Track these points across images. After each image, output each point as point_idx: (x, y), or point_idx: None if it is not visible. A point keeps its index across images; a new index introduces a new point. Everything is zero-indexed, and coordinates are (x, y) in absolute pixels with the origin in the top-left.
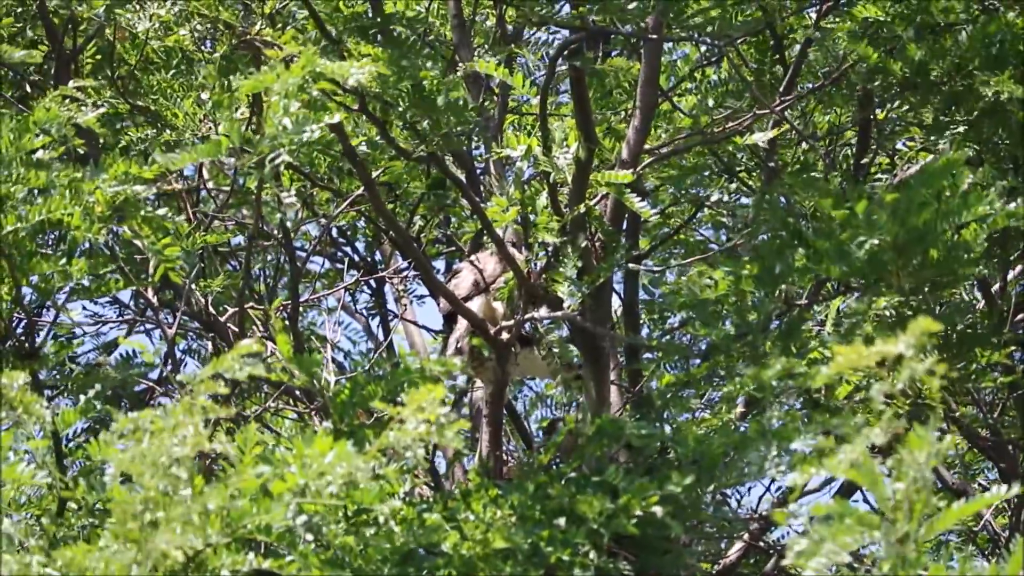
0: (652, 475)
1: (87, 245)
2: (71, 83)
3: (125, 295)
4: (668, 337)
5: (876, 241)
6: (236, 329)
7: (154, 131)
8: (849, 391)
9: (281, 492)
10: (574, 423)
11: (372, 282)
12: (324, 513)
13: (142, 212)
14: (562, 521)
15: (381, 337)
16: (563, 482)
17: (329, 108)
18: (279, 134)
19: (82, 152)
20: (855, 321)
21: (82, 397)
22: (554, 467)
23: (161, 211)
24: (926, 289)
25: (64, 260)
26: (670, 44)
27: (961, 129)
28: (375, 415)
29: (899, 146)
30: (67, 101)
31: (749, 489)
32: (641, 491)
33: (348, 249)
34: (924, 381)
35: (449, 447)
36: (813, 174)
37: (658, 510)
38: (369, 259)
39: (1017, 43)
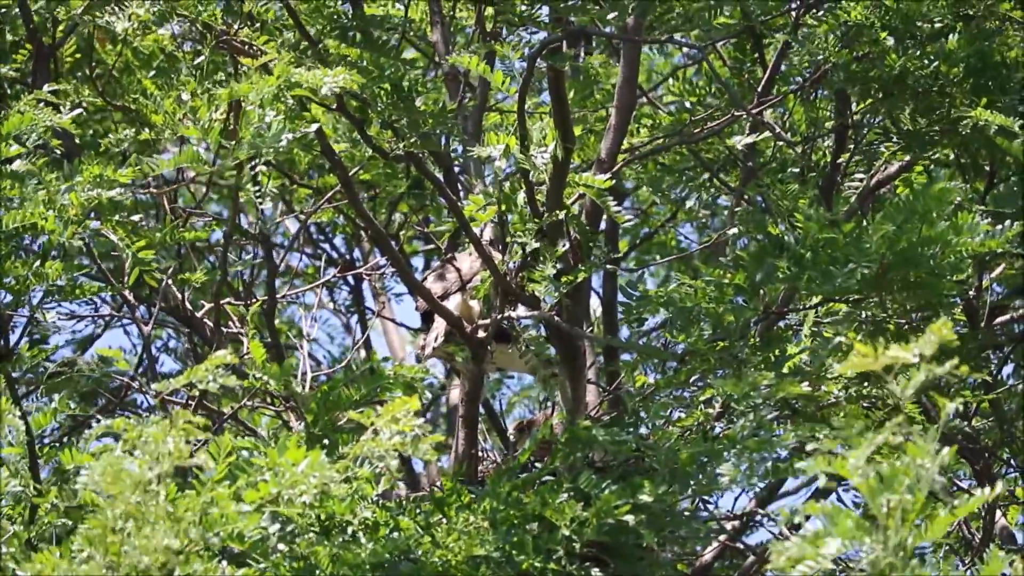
0: (625, 481)
1: (61, 247)
2: (46, 87)
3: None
4: (645, 339)
5: (865, 270)
6: (212, 325)
7: (133, 131)
8: (828, 397)
9: (254, 501)
10: (549, 425)
11: (351, 279)
12: (297, 522)
13: (116, 217)
14: (535, 526)
15: (360, 334)
16: (536, 487)
17: (306, 117)
18: (256, 142)
19: (59, 153)
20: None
21: (55, 397)
22: (532, 467)
23: (135, 217)
24: (909, 307)
25: (38, 263)
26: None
27: (938, 136)
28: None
29: (875, 146)
30: (41, 105)
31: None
32: (612, 500)
33: (326, 246)
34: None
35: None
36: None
37: (630, 519)
38: (348, 256)
39: (995, 55)
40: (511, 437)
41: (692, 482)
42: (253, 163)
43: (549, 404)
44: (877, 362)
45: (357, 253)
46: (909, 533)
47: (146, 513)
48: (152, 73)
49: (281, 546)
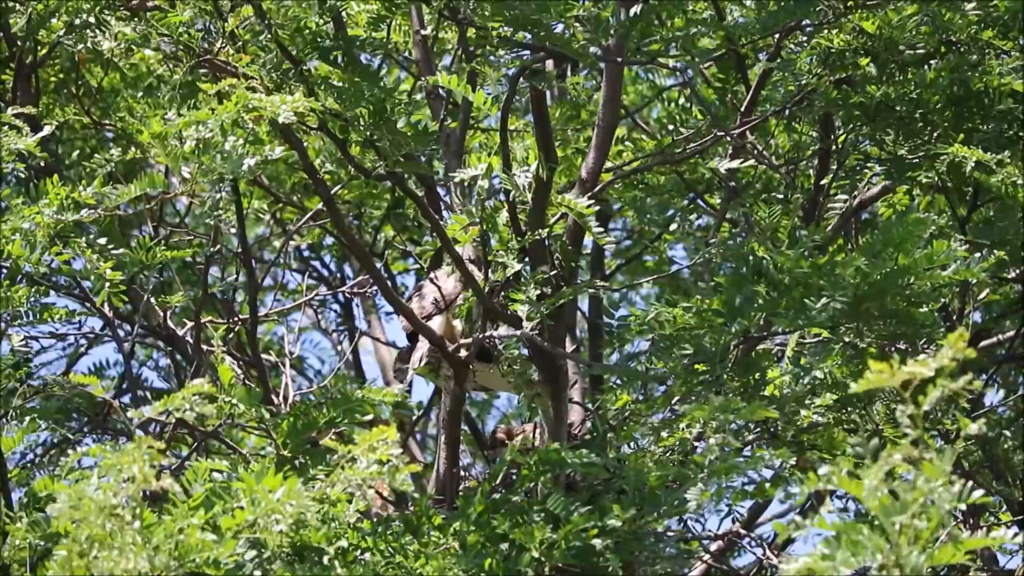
0: (594, 504)
1: (28, 270)
2: (10, 110)
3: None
4: (632, 360)
5: (838, 305)
6: (193, 343)
7: (119, 151)
8: (806, 422)
9: (230, 528)
10: (516, 448)
11: (340, 297)
12: (271, 548)
13: (83, 239)
14: (505, 548)
15: (351, 354)
16: (506, 508)
17: (266, 142)
18: (215, 167)
19: (23, 176)
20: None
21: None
22: (512, 479)
23: (102, 239)
24: (886, 335)
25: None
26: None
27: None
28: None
29: (858, 166)
30: (6, 128)
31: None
32: (581, 522)
33: (316, 263)
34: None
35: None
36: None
37: (597, 543)
38: (338, 275)
39: (978, 84)
40: (490, 454)
41: (662, 505)
42: (219, 188)
43: (531, 421)
44: (894, 378)
45: (348, 271)
46: (921, 553)
47: (114, 538)
48: (139, 93)
49: (257, 573)
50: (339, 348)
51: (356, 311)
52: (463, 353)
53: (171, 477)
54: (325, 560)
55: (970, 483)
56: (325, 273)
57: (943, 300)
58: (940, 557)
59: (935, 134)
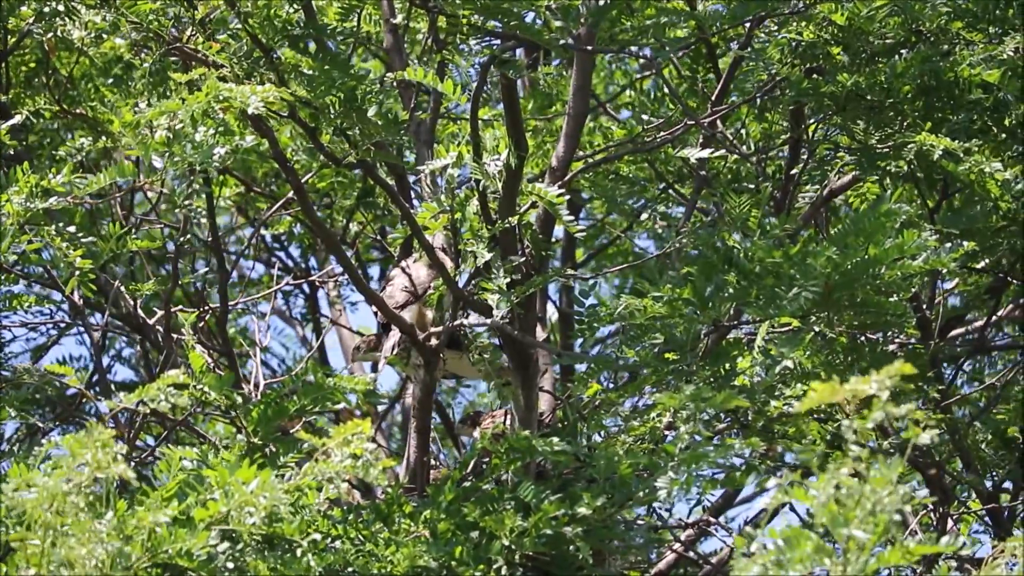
0: (565, 492)
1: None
2: None
3: (55, 297)
4: (600, 346)
5: (809, 295)
6: (163, 332)
7: (90, 139)
8: (776, 412)
9: (203, 519)
10: (487, 435)
11: (306, 288)
12: (244, 538)
13: (52, 227)
14: (475, 536)
15: (315, 344)
16: (477, 496)
17: (237, 132)
18: (186, 156)
19: None
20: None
21: None
22: (482, 467)
23: (71, 228)
24: (856, 324)
25: None
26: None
27: (890, 152)
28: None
29: (828, 155)
30: None
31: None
32: (551, 510)
33: (282, 255)
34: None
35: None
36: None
37: (568, 531)
38: (304, 265)
39: (948, 74)
40: (458, 431)
41: (632, 493)
42: (191, 177)
43: (501, 407)
44: (836, 395)
45: (313, 262)
46: (869, 558)
47: (75, 528)
48: (109, 81)
49: (229, 564)
50: (304, 337)
51: (324, 299)
52: (433, 341)
53: (129, 464)
54: (298, 552)
55: (912, 485)
56: (290, 263)
57: (913, 290)
58: (888, 559)
59: (905, 123)
